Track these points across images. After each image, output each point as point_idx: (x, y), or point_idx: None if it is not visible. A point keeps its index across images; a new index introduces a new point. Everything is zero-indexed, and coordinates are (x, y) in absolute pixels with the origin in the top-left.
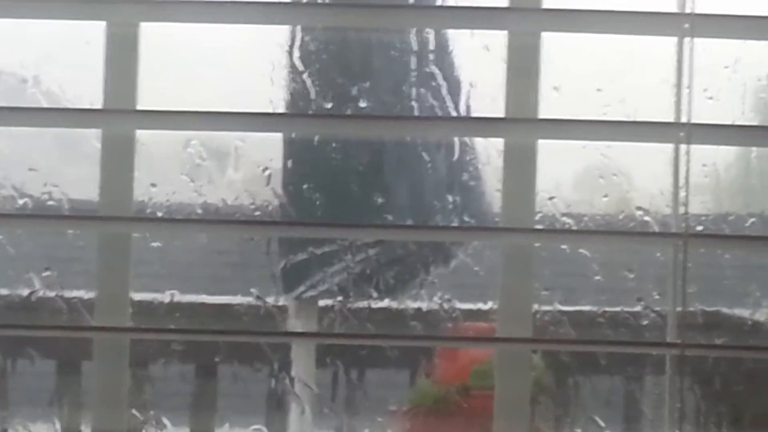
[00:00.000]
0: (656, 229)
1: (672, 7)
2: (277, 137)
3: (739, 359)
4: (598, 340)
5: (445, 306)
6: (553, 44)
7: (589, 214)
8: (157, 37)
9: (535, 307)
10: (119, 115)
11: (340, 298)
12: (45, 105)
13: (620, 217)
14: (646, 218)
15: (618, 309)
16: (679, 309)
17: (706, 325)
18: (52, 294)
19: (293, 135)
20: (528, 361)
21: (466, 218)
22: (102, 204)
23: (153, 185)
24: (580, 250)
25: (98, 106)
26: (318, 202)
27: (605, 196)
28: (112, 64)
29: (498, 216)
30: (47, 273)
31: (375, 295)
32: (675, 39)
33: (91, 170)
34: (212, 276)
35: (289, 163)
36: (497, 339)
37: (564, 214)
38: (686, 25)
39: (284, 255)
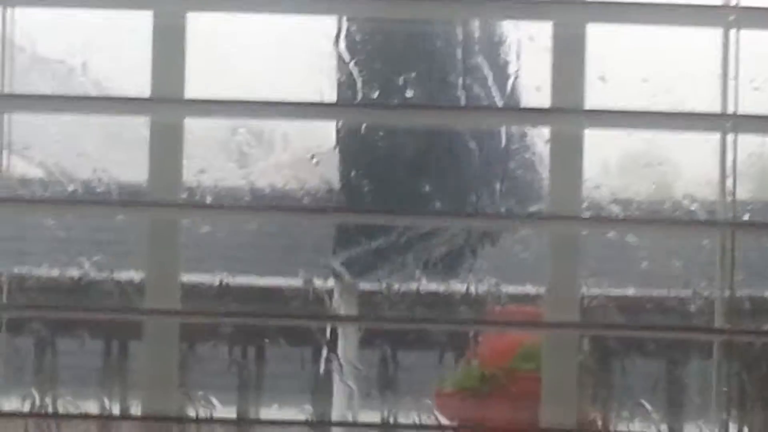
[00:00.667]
0: (703, 217)
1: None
2: (325, 125)
3: None
4: (646, 326)
5: (493, 290)
6: (598, 35)
7: (635, 201)
8: (203, 27)
9: (583, 292)
10: (167, 104)
11: (387, 281)
12: (92, 93)
13: (667, 205)
14: (693, 207)
15: (665, 295)
16: (726, 296)
17: (753, 312)
18: (102, 277)
19: (340, 123)
20: (575, 345)
21: (513, 206)
22: (151, 190)
23: (202, 171)
24: (627, 239)
25: (146, 94)
26: (366, 189)
27: (653, 184)
28: (159, 53)
29: (545, 204)
30: (97, 257)
31: (423, 278)
32: (721, 30)
33: (141, 156)
34: (262, 259)
35: (337, 151)
36: (545, 324)
37: (611, 202)
38: (732, 17)
39: (334, 240)
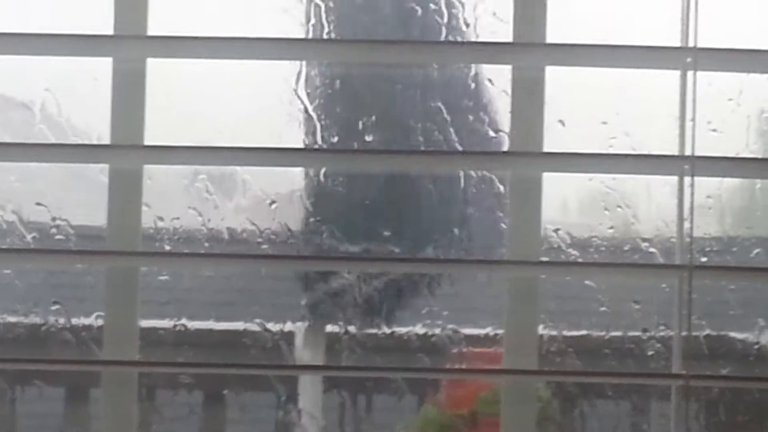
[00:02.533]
0: (661, 260)
1: (675, 41)
2: (284, 170)
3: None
4: (604, 372)
5: (451, 333)
6: (557, 78)
7: (594, 245)
8: (163, 73)
9: (541, 332)
10: (126, 150)
11: (348, 326)
12: (52, 138)
13: (625, 248)
14: (651, 249)
15: (623, 339)
16: (684, 335)
17: (711, 355)
18: (60, 326)
19: (300, 169)
20: (534, 389)
21: (472, 250)
22: (110, 236)
23: (160, 219)
24: (586, 282)
25: (106, 140)
26: (324, 235)
27: (611, 227)
28: (119, 99)
29: (504, 248)
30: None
31: (381, 323)
32: (678, 72)
33: (100, 201)
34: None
35: (297, 196)
36: (503, 371)
37: (570, 245)
38: (689, 59)
39: (294, 284)
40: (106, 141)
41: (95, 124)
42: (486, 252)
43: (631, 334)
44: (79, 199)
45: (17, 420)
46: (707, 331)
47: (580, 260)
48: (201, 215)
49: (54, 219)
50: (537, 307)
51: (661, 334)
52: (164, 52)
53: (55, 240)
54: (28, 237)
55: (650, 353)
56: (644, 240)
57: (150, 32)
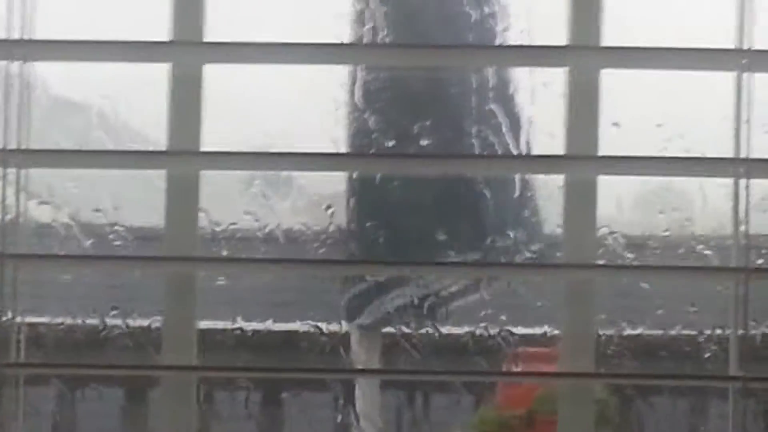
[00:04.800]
0: (717, 262)
1: (730, 43)
2: (339, 175)
3: None
4: (661, 374)
5: (506, 334)
6: (612, 80)
7: (650, 247)
8: (220, 78)
9: (599, 333)
10: (183, 157)
11: (404, 327)
12: (109, 143)
13: (680, 251)
14: (707, 251)
15: (680, 340)
16: (741, 337)
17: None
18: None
19: (355, 174)
20: (591, 389)
21: (528, 254)
22: (168, 241)
23: (217, 224)
24: (642, 284)
25: (162, 146)
26: (381, 239)
27: (666, 230)
28: (176, 105)
29: (560, 251)
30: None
31: (438, 323)
32: (733, 74)
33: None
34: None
35: (352, 201)
36: (560, 374)
37: (626, 248)
38: (744, 61)
39: (347, 285)
40: (163, 147)
41: (152, 130)
42: (541, 255)
43: (687, 335)
44: (137, 199)
45: (78, 421)
46: (764, 332)
47: (635, 263)
48: (257, 220)
49: (112, 224)
50: (593, 308)
51: (718, 335)
52: (221, 58)
53: (113, 244)
54: (86, 243)
55: (707, 355)
56: (700, 242)
57: (207, 38)
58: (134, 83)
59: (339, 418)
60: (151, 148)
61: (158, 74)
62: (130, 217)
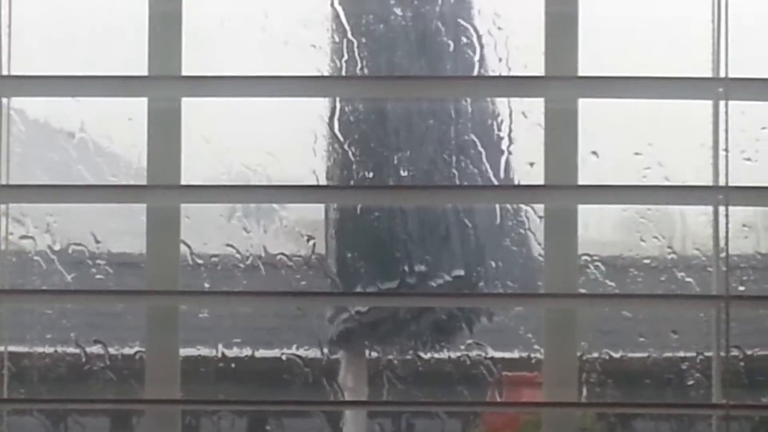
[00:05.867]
0: (698, 289)
1: (706, 72)
2: (320, 206)
3: None
4: (645, 403)
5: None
6: (590, 110)
7: (630, 276)
8: (198, 112)
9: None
10: (164, 190)
11: (389, 355)
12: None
13: (662, 278)
14: (688, 279)
15: (662, 368)
16: (723, 365)
17: (751, 384)
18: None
19: (335, 206)
20: (575, 417)
21: (509, 283)
22: (150, 273)
23: (198, 257)
24: (624, 312)
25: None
26: (362, 270)
27: (647, 258)
28: (154, 138)
29: (541, 280)
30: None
31: (422, 349)
32: (710, 102)
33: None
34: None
35: (333, 233)
36: (544, 404)
37: (607, 277)
38: (720, 89)
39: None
40: (143, 178)
41: (133, 161)
42: (522, 284)
43: (670, 363)
44: (118, 228)
45: None
46: (747, 360)
47: (616, 291)
48: (239, 252)
49: (93, 255)
50: (576, 337)
51: (700, 363)
52: (198, 92)
53: (94, 276)
54: (68, 277)
55: (690, 383)
56: (680, 270)
57: (184, 72)
58: (114, 116)
59: None
60: (134, 174)
61: (137, 108)
62: (112, 243)
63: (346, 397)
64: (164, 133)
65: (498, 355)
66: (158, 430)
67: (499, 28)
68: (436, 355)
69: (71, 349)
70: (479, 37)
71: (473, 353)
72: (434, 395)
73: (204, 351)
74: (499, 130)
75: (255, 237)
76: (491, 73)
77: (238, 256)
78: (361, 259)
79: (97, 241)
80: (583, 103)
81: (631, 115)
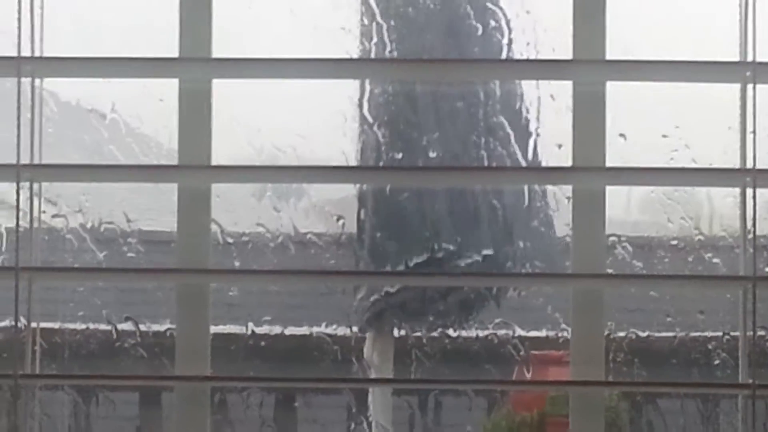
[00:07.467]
0: (725, 270)
1: (734, 56)
2: (349, 187)
3: None
4: (672, 383)
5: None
6: (618, 93)
7: (658, 257)
8: (230, 93)
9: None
10: (195, 170)
11: (417, 331)
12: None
13: (689, 259)
14: (715, 260)
15: (689, 348)
16: (750, 345)
17: None
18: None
19: (365, 186)
20: (602, 395)
21: (537, 263)
22: (180, 252)
23: (227, 231)
24: (651, 293)
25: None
26: (391, 250)
27: (674, 239)
28: (185, 119)
29: (568, 260)
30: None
31: (450, 327)
32: (738, 86)
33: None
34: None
35: (362, 213)
36: (572, 383)
37: (634, 257)
38: (748, 73)
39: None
40: (173, 159)
41: (163, 142)
42: (549, 264)
43: (696, 343)
44: (149, 207)
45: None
46: None
47: (643, 272)
48: (269, 232)
49: (124, 234)
50: (603, 317)
51: (726, 343)
52: (229, 74)
53: (126, 254)
54: (100, 255)
55: (716, 362)
56: (707, 251)
57: (215, 54)
58: (145, 97)
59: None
60: (165, 154)
61: (167, 89)
62: (143, 226)
63: (373, 374)
64: (195, 114)
65: (525, 334)
66: (188, 406)
67: (528, 12)
68: (464, 333)
69: (102, 326)
70: (508, 21)
71: (501, 332)
72: (462, 373)
73: (234, 328)
74: (528, 112)
75: (285, 217)
76: (519, 56)
77: (268, 235)
78: (393, 238)
79: (129, 220)
80: (610, 86)
81: (659, 98)
